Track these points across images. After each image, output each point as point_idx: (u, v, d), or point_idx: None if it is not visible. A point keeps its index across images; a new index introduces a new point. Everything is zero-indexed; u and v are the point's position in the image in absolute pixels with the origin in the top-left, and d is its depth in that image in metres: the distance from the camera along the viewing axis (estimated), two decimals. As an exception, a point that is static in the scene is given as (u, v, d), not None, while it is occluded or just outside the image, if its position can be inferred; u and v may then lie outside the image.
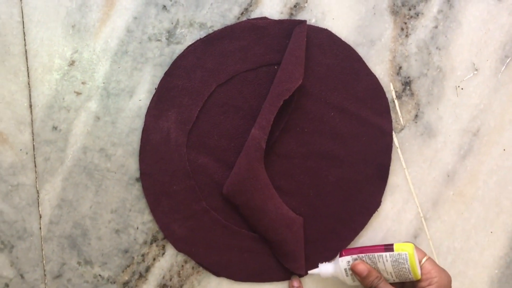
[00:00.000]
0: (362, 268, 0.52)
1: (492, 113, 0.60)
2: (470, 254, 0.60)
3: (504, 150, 0.60)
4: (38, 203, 0.57)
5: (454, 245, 0.60)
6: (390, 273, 0.52)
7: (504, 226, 0.60)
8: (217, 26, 0.58)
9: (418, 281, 0.52)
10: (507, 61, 0.60)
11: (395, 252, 0.51)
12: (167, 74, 0.58)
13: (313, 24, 0.59)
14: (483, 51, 0.60)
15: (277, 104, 0.55)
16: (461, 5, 0.60)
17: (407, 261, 0.51)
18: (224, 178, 0.57)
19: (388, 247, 0.52)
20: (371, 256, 0.52)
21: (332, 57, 0.58)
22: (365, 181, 0.58)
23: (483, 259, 0.60)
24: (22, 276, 0.57)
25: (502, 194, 0.60)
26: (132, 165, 0.58)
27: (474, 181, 0.60)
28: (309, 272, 0.56)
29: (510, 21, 0.60)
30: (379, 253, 0.52)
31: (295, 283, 0.57)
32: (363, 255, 0.53)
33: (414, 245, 0.52)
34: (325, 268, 0.55)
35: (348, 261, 0.53)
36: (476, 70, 0.60)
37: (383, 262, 0.52)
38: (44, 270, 0.57)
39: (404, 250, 0.51)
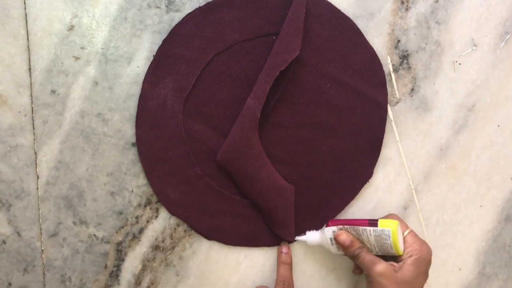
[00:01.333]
0: (344, 238, 0.53)
1: (489, 89, 0.60)
2: (459, 227, 0.61)
3: (499, 126, 0.60)
4: (36, 164, 0.58)
5: (444, 218, 0.60)
6: (374, 245, 0.53)
7: (494, 201, 0.61)
8: (216, -6, 0.58)
9: None
10: (507, 37, 0.60)
11: (378, 228, 0.52)
12: (165, 42, 0.58)
13: (312, -5, 0.59)
14: (483, 27, 0.60)
15: (274, 74, 0.55)
16: (462, -21, 0.60)
17: (389, 238, 0.51)
18: (218, 145, 0.58)
19: (373, 222, 0.52)
20: (355, 228, 0.53)
21: (331, 29, 0.58)
22: (358, 152, 0.59)
23: (471, 232, 0.61)
24: (19, 234, 0.59)
25: (494, 169, 0.60)
26: (129, 130, 0.58)
27: (467, 155, 0.60)
28: (297, 238, 0.57)
29: (511, -4, 0.60)
30: (363, 227, 0.52)
31: (284, 249, 0.58)
32: (348, 226, 0.53)
33: (399, 220, 0.53)
34: (311, 236, 0.56)
35: (334, 231, 0.54)
36: (475, 45, 0.60)
37: (367, 235, 0.52)
38: (41, 229, 0.59)
39: (387, 226, 0.51)
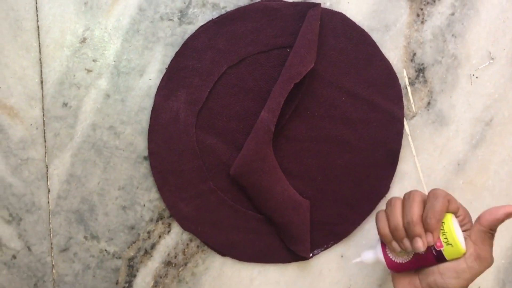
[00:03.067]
0: None
1: (507, 103, 0.59)
2: (478, 244, 0.59)
3: (517, 140, 0.59)
4: (47, 178, 0.58)
5: (462, 235, 0.59)
6: None
7: (514, 217, 0.59)
8: (230, 7, 0.58)
9: None
10: (524, 51, 0.59)
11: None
12: (178, 54, 0.57)
13: (328, 7, 0.58)
14: (500, 40, 0.59)
15: (288, 87, 0.54)
16: (479, -9, 0.59)
17: None
18: (232, 159, 0.57)
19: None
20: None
21: (346, 42, 0.58)
22: (374, 167, 0.58)
23: (490, 250, 0.59)
24: (29, 248, 0.58)
25: (513, 184, 0.60)
26: (141, 144, 0.58)
27: (485, 170, 0.59)
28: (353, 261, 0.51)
29: (529, 9, 0.59)
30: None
31: None
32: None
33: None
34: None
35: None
36: (492, 59, 0.59)
37: None
38: (51, 243, 0.58)
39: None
